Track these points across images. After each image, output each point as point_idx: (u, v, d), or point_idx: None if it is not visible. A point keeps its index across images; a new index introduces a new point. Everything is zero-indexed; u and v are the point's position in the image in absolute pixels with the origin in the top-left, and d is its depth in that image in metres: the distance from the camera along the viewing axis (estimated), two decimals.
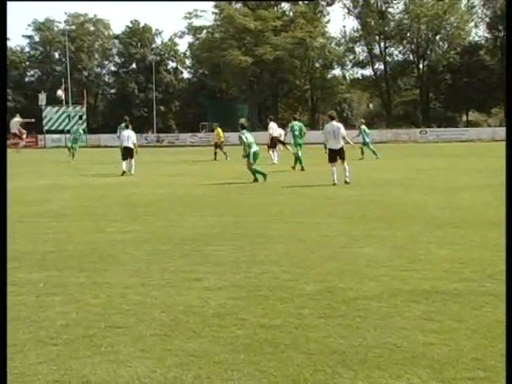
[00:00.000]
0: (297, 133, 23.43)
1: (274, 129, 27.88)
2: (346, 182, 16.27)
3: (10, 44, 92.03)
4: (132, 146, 22.29)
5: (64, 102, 68.13)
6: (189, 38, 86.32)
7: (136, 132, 24.27)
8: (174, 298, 5.70)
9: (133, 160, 22.15)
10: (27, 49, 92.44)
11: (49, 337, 4.67)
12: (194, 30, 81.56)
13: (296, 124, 24.08)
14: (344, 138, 17.00)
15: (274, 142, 27.02)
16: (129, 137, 22.54)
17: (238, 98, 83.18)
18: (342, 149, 16.78)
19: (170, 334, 4.71)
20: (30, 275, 6.69)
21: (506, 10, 14.43)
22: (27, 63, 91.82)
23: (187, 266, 7.05)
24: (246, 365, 4.10)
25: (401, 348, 4.35)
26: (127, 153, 22.16)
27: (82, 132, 37.85)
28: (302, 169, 22.02)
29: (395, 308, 5.28)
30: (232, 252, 7.77)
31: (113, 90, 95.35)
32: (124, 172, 21.63)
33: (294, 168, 22.34)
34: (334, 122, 17.13)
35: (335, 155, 16.78)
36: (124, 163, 21.99)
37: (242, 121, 20.36)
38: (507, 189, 6.13)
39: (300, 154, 22.60)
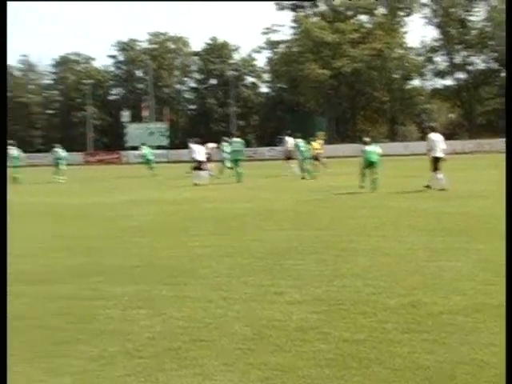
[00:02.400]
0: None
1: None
2: (442, 190, 17.27)
3: (95, 64, 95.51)
4: (202, 159, 25.11)
5: (147, 119, 69.82)
6: (267, 53, 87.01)
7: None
8: (255, 312, 5.72)
9: (203, 172, 24.56)
10: (111, 68, 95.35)
11: (135, 349, 4.78)
12: (272, 45, 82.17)
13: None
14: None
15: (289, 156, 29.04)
16: (198, 151, 25.46)
17: (315, 111, 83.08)
18: (442, 158, 18.30)
19: (253, 347, 4.73)
20: (115, 289, 6.86)
21: (506, 10, 14.04)
22: (111, 82, 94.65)
23: (268, 279, 7.07)
24: (331, 380, 4.07)
25: (490, 365, 4.22)
26: (199, 165, 24.96)
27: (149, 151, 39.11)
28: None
29: (483, 323, 5.13)
30: (313, 266, 7.74)
31: (193, 106, 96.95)
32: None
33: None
34: (437, 133, 18.97)
35: (439, 163, 18.04)
36: (197, 174, 24.48)
37: (366, 139, 20.53)
38: (507, 191, 6.11)
39: None
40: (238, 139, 28.07)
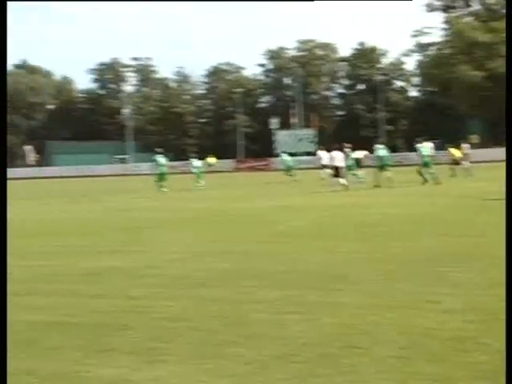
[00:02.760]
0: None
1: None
2: None
3: (245, 73, 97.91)
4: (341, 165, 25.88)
5: (296, 126, 70.62)
6: (416, 56, 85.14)
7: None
8: (409, 320, 5.61)
9: (336, 179, 25.20)
10: (261, 76, 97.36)
11: (289, 354, 4.82)
12: (422, 48, 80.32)
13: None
14: None
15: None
16: (332, 157, 26.44)
17: (468, 114, 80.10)
18: None
19: (409, 356, 4.63)
20: (268, 293, 6.97)
21: (506, 11, 12.53)
22: (261, 90, 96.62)
23: (420, 286, 6.90)
24: None
25: None
26: (336, 172, 25.80)
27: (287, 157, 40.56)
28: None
29: None
30: (469, 273, 7.46)
31: (340, 112, 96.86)
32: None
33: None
34: None
35: None
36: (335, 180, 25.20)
37: None
38: (507, 192, 6.16)
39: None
40: (381, 146, 28.31)
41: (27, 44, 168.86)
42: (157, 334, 5.54)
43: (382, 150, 27.65)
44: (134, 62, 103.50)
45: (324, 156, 26.68)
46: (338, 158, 26.37)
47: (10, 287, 7.88)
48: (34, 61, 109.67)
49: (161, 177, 29.84)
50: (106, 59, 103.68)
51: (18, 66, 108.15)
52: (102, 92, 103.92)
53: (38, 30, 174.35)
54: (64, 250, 11.38)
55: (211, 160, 60.23)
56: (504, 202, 8.00)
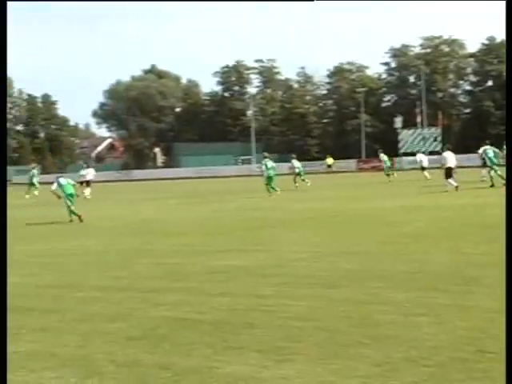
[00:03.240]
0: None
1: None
2: None
3: (368, 72, 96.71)
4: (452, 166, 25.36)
5: (420, 125, 69.01)
6: None
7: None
8: None
9: (449, 180, 24.55)
10: (384, 75, 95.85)
11: (420, 357, 4.69)
12: None
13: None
14: None
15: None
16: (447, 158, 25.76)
17: None
18: None
19: None
20: (395, 295, 6.83)
21: (505, 11, 10.74)
22: (384, 89, 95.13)
23: None
24: None
25: None
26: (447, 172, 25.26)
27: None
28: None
29: None
30: None
31: (467, 110, 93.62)
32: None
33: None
34: None
35: None
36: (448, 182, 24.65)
37: None
38: (507, 195, 5.02)
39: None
40: (488, 146, 27.80)
41: (156, 49, 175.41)
42: (284, 333, 5.56)
43: (489, 151, 27.04)
44: (257, 64, 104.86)
45: (450, 157, 25.84)
46: (449, 158, 25.80)
47: (142, 284, 8.20)
48: (162, 65, 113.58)
49: (269, 180, 29.72)
50: (230, 62, 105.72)
51: (147, 71, 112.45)
52: (227, 94, 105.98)
53: (166, 36, 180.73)
54: (191, 249, 11.69)
55: (329, 160, 60.11)
56: None
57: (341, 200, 23.19)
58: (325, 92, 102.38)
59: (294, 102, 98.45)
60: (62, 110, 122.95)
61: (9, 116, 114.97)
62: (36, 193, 40.13)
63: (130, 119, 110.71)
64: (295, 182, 34.55)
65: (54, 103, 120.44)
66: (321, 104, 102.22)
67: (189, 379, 4.54)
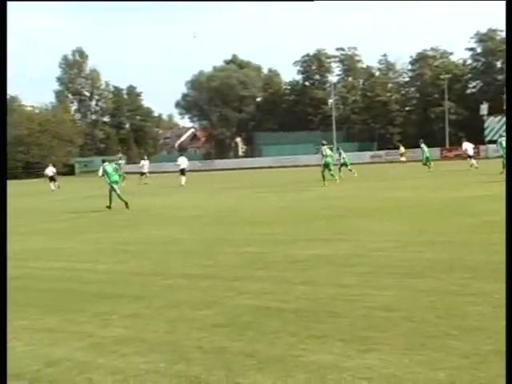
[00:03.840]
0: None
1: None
2: None
3: (453, 58, 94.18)
4: None
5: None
6: None
7: None
8: None
9: None
10: (469, 61, 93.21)
11: None
12: None
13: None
14: None
15: None
16: None
17: None
18: None
19: None
20: (484, 285, 6.67)
21: (505, 11, 9.42)
22: (469, 75, 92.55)
23: None
24: None
25: None
26: None
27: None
28: None
29: None
30: None
31: None
32: None
33: None
34: None
35: None
36: None
37: None
38: (507, 192, 6.48)
39: None
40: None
41: (237, 39, 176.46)
42: (368, 322, 5.53)
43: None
44: (338, 53, 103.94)
45: None
46: None
47: (225, 272, 8.32)
48: (243, 55, 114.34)
49: (327, 167, 29.55)
50: (311, 51, 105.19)
51: (228, 62, 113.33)
52: (307, 83, 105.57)
53: (247, 25, 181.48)
54: (272, 238, 11.75)
55: (401, 150, 58.90)
56: None
57: (423, 189, 22.77)
58: (407, 79, 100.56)
59: (375, 90, 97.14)
60: (146, 101, 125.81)
61: (96, 108, 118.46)
62: (123, 184, 41.54)
63: (211, 109, 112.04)
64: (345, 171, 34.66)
65: (138, 95, 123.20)
66: (403, 92, 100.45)
67: (273, 367, 4.58)
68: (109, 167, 21.50)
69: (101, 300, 7.14)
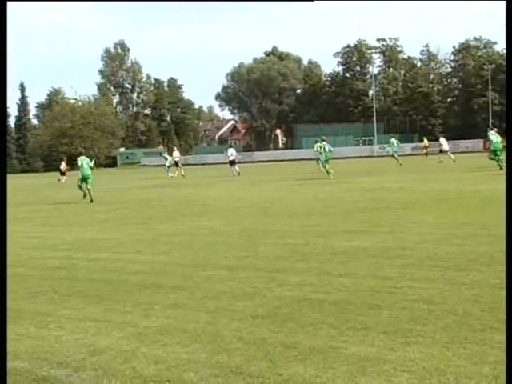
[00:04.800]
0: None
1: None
2: None
3: (497, 48, 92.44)
4: None
5: None
6: None
7: None
8: None
9: None
10: None
11: None
12: None
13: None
14: None
15: None
16: None
17: None
18: None
19: None
20: None
21: (505, 11, 8.69)
22: None
23: None
24: None
25: None
26: None
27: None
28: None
29: None
30: None
31: None
32: None
33: None
34: None
35: None
36: None
37: None
38: (507, 192, 6.53)
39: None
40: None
41: (277, 31, 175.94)
42: (411, 315, 5.48)
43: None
44: (379, 44, 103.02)
45: None
46: None
47: (265, 263, 8.34)
48: (283, 47, 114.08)
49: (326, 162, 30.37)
50: (352, 42, 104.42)
51: (269, 53, 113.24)
52: (348, 74, 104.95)
53: (287, 17, 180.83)
54: (312, 229, 11.71)
55: (425, 142, 57.97)
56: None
57: (466, 181, 22.46)
58: (449, 70, 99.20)
59: (417, 81, 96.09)
60: (186, 94, 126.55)
61: (137, 100, 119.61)
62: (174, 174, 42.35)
63: (251, 101, 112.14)
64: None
65: (179, 87, 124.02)
66: (445, 82, 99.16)
67: (314, 358, 4.58)
68: (85, 163, 23.87)
69: (142, 290, 7.22)
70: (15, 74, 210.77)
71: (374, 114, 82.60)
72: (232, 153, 40.41)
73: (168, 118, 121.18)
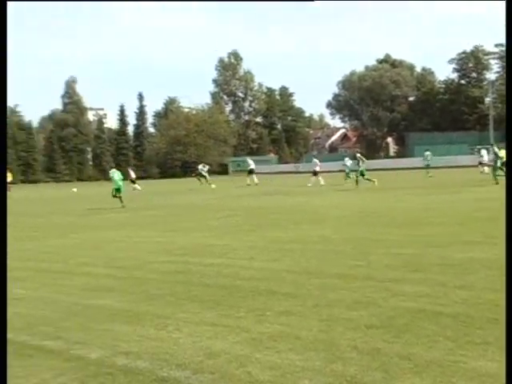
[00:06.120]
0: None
1: None
2: None
3: None
4: None
5: None
6: None
7: None
8: None
9: None
10: None
11: None
12: None
13: None
14: None
15: None
16: None
17: None
18: None
19: None
20: None
21: (505, 11, 6.81)
22: None
23: None
24: None
25: None
26: None
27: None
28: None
29: None
30: None
31: None
32: None
33: None
34: None
35: None
36: None
37: None
38: (507, 192, 6.04)
39: None
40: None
41: (390, 38, 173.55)
42: None
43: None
44: (497, 49, 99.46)
45: None
46: None
47: (379, 273, 8.24)
48: (396, 54, 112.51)
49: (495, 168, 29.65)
50: (468, 48, 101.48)
51: (381, 61, 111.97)
52: (463, 81, 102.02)
53: (400, 24, 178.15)
54: (425, 239, 11.45)
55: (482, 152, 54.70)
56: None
57: None
58: None
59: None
60: (297, 102, 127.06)
61: (249, 108, 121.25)
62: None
63: (363, 109, 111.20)
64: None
65: (290, 95, 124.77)
66: None
67: (430, 371, 4.49)
68: (116, 175, 27.52)
69: (255, 296, 7.32)
70: (135, 84, 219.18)
71: (491, 121, 79.71)
72: (316, 163, 41.94)
73: (279, 126, 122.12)
